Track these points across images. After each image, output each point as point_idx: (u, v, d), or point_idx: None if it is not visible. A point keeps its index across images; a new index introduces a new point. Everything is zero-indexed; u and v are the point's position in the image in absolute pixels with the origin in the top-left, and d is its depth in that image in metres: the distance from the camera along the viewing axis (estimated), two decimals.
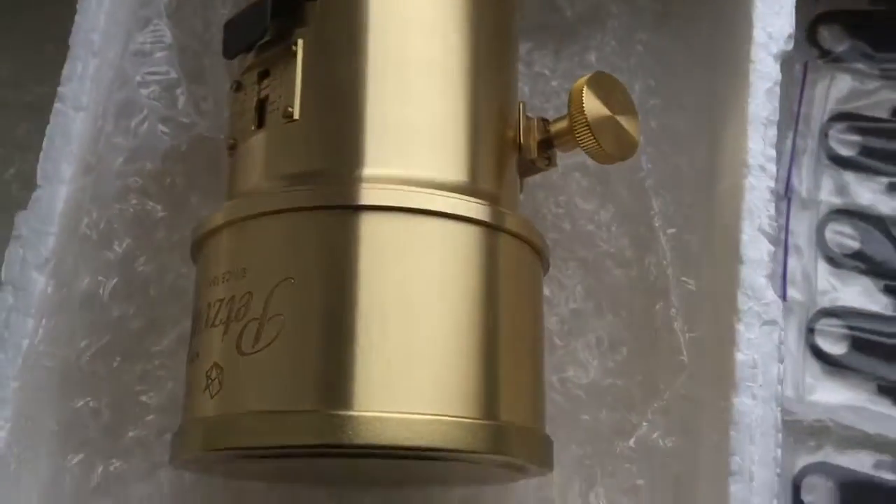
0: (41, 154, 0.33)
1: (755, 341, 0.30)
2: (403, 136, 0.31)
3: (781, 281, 0.46)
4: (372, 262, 0.29)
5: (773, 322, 0.31)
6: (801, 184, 0.47)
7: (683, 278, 0.37)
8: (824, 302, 0.46)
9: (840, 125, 0.48)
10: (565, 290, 0.41)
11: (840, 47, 0.49)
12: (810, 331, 0.45)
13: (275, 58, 0.33)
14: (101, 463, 0.34)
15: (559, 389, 0.40)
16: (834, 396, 0.44)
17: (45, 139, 0.33)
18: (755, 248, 0.31)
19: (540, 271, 0.34)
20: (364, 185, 0.30)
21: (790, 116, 0.48)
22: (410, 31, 0.33)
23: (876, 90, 0.49)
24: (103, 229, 0.34)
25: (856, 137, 0.48)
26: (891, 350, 0.44)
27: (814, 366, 0.45)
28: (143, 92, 0.34)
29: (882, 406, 0.44)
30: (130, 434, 0.36)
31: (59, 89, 0.33)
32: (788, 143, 0.48)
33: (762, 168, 0.32)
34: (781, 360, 0.30)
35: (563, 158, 0.42)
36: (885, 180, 0.47)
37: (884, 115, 0.48)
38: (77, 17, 0.34)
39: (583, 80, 0.35)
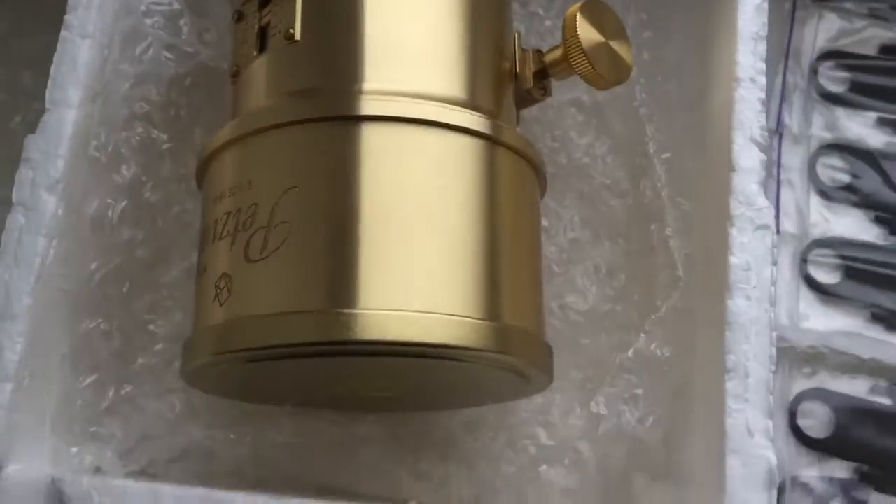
0: (49, 80, 0.33)
1: (748, 245, 0.31)
2: (404, 53, 0.32)
3: (775, 214, 0.47)
4: (373, 169, 0.30)
5: (765, 226, 0.31)
6: (792, 119, 0.48)
7: (678, 199, 0.38)
8: (816, 233, 0.47)
9: (829, 62, 0.49)
10: (563, 220, 0.42)
11: None
12: (804, 261, 0.46)
13: None
14: (112, 386, 0.35)
15: (559, 316, 0.41)
16: (828, 324, 0.45)
17: (53, 66, 0.33)
18: (747, 157, 0.32)
19: (537, 186, 0.35)
20: (364, 96, 0.31)
21: (780, 54, 0.49)
22: None
23: (863, 28, 0.50)
24: (111, 152, 0.34)
25: (845, 74, 0.49)
26: (883, 278, 0.45)
27: (808, 295, 0.46)
28: (148, 21, 0.35)
29: (876, 332, 0.45)
30: (140, 361, 0.36)
31: (66, 17, 0.34)
32: (779, 80, 0.49)
33: (752, 80, 0.33)
34: (774, 263, 0.31)
35: (557, 94, 0.43)
36: (873, 115, 0.48)
37: (871, 52, 0.50)
38: None
39: (575, 7, 0.35)
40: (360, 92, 0.31)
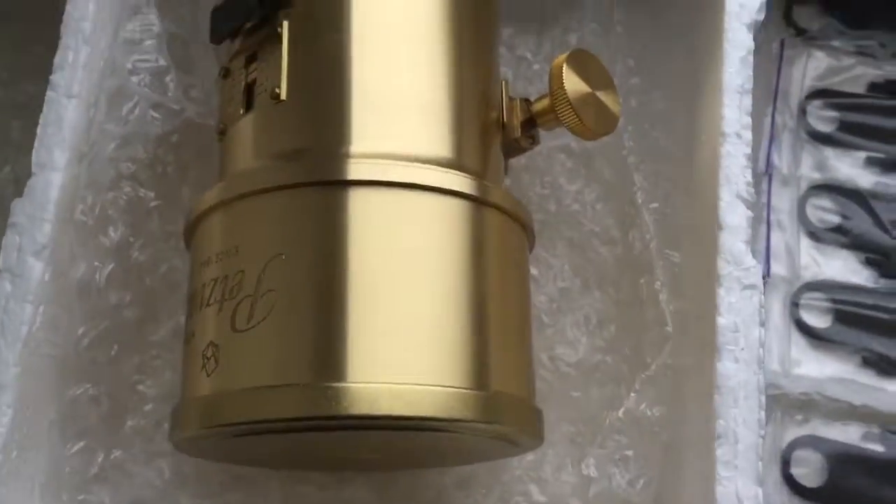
0: (35, 142, 0.33)
1: (736, 305, 0.31)
2: (389, 112, 0.32)
3: (764, 257, 0.47)
4: (360, 235, 0.30)
5: (753, 286, 0.31)
6: (782, 160, 0.48)
7: (667, 251, 0.38)
8: (807, 276, 0.47)
9: (818, 102, 0.49)
10: (553, 269, 0.42)
11: (815, 25, 0.50)
12: (795, 305, 0.46)
13: (261, 41, 0.34)
14: (100, 451, 0.35)
15: (549, 368, 0.40)
16: (820, 369, 0.45)
17: (39, 127, 0.33)
18: (733, 214, 0.32)
19: (526, 245, 0.35)
20: (351, 160, 0.31)
21: (769, 94, 0.49)
22: (394, 9, 0.33)
23: (851, 66, 0.50)
24: (98, 215, 0.34)
25: (833, 113, 0.49)
26: (874, 321, 0.45)
27: (799, 340, 0.45)
28: (134, 79, 0.35)
29: (867, 377, 0.45)
30: (129, 423, 0.36)
31: (52, 77, 0.34)
32: (767, 120, 0.49)
33: (738, 135, 0.33)
34: (762, 324, 0.31)
35: (546, 141, 0.43)
36: (862, 154, 0.48)
37: (860, 90, 0.50)
38: (67, 7, 0.35)
39: (562, 57, 0.35)
40: (346, 155, 0.31)
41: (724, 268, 0.31)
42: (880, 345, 0.45)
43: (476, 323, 0.30)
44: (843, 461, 0.42)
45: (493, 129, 0.36)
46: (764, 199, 0.48)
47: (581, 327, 0.40)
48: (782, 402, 0.43)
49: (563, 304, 0.41)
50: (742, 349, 0.31)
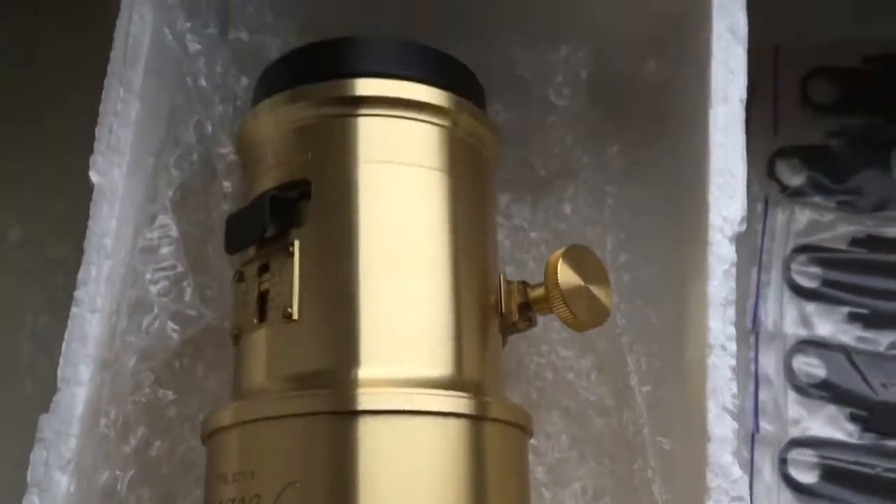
0: (60, 358, 0.35)
1: None
2: (395, 336, 0.34)
3: (753, 413, 0.49)
4: (370, 463, 0.32)
5: (740, 498, 0.33)
6: (767, 317, 0.50)
7: (659, 438, 0.40)
8: (795, 432, 0.48)
9: (802, 258, 0.51)
10: (551, 439, 0.43)
11: (798, 181, 0.53)
12: (783, 461, 0.47)
13: (273, 253, 0.36)
14: None
15: None
16: None
17: (64, 343, 0.35)
18: (720, 426, 0.34)
19: (525, 445, 0.37)
20: (360, 390, 0.33)
21: (754, 252, 0.52)
22: (398, 225, 0.36)
23: (833, 222, 0.52)
24: (120, 426, 0.36)
25: (817, 269, 0.51)
26: (860, 478, 0.47)
27: (787, 495, 0.47)
28: (153, 289, 0.37)
29: None
30: None
31: (76, 293, 0.36)
32: (753, 277, 0.52)
33: (723, 347, 0.35)
34: None
35: None
36: (845, 310, 0.51)
37: (842, 245, 0.52)
38: (90, 223, 0.37)
39: (559, 252, 0.38)
40: (354, 382, 0.33)
41: (712, 480, 0.33)
42: (866, 501, 0.47)
43: None
44: None
45: (491, 313, 0.38)
46: (751, 355, 0.50)
47: (578, 499, 0.42)
48: None
49: (561, 476, 0.43)
50: None
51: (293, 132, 0.37)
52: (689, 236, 0.39)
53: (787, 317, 0.50)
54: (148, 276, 0.37)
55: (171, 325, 0.37)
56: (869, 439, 0.48)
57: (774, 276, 0.51)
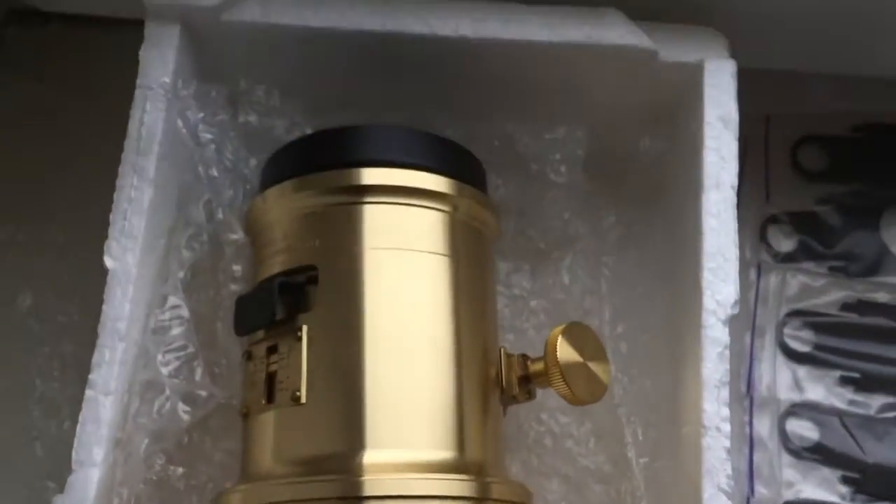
0: (74, 440, 0.36)
1: None
2: (401, 420, 0.36)
3: (748, 476, 0.50)
4: None
5: None
6: (761, 381, 0.52)
7: None
8: (789, 495, 0.49)
9: (794, 322, 0.53)
10: None
11: (789, 246, 0.54)
12: None
13: (282, 336, 0.37)
14: None
15: None
16: None
17: (78, 425, 0.37)
18: None
19: None
20: (366, 476, 0.34)
21: (748, 317, 0.53)
22: (403, 310, 0.37)
23: (825, 287, 0.53)
24: None
25: (809, 333, 0.53)
26: None
27: None
28: (164, 370, 0.38)
29: None
30: None
31: (90, 377, 0.37)
32: (747, 341, 0.53)
33: (717, 429, 0.37)
34: None
35: None
36: (837, 373, 0.52)
37: (833, 310, 0.53)
38: (104, 307, 0.38)
39: (558, 329, 0.39)
40: (360, 467, 0.34)
41: None
42: None
43: None
44: None
45: (492, 386, 0.39)
46: (746, 418, 0.51)
47: None
48: None
49: None
50: None
51: (301, 218, 0.38)
52: (684, 314, 0.40)
53: (780, 381, 0.52)
54: (160, 357, 0.38)
55: (182, 406, 0.38)
56: (861, 501, 0.49)
57: (768, 340, 0.52)
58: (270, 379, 0.37)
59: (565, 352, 0.39)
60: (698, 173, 0.39)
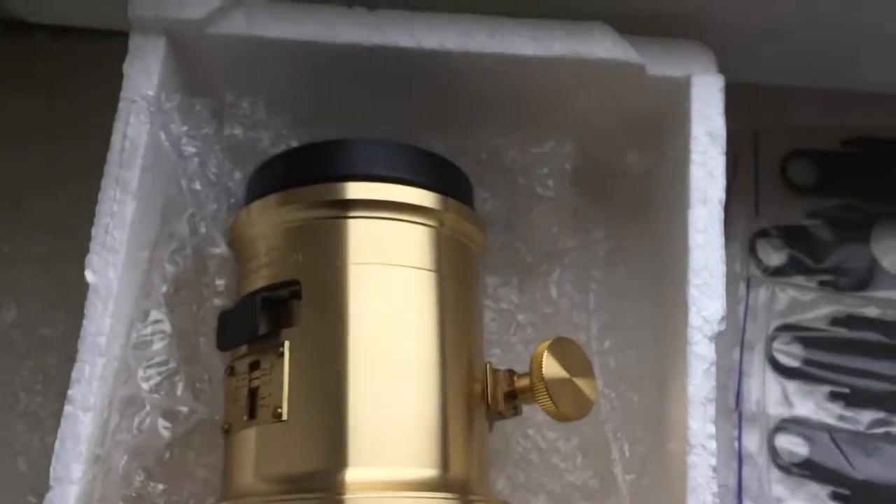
0: (52, 457, 0.36)
1: None
2: (383, 437, 0.35)
3: (736, 492, 0.50)
4: None
5: None
6: (750, 396, 0.51)
7: None
8: None
9: (783, 337, 0.52)
10: None
11: (779, 260, 0.54)
12: None
13: (264, 351, 0.37)
14: None
15: None
16: None
17: (57, 441, 0.36)
18: None
19: None
20: (348, 495, 0.33)
21: (736, 332, 0.53)
22: (387, 326, 0.37)
23: (814, 302, 0.53)
24: None
25: (798, 348, 0.52)
26: None
27: None
28: (145, 386, 0.38)
29: None
30: None
31: (69, 392, 0.37)
32: (736, 356, 0.52)
33: (703, 446, 0.36)
34: None
35: None
36: (826, 389, 0.52)
37: (823, 325, 0.53)
38: (84, 322, 0.38)
39: (544, 344, 0.39)
40: (342, 485, 0.34)
41: None
42: None
43: None
44: None
45: (477, 402, 0.39)
46: (735, 434, 0.51)
47: None
48: None
49: None
50: None
51: (285, 232, 0.38)
52: (670, 330, 0.40)
53: (769, 395, 0.51)
54: (141, 372, 0.38)
55: (162, 422, 0.38)
56: None
57: (757, 355, 0.52)
58: (253, 395, 0.37)
59: (551, 368, 0.38)
60: (685, 188, 0.39)
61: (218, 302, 0.40)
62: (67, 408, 0.37)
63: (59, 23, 0.54)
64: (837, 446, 0.50)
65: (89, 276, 0.38)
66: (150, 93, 0.40)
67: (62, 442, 0.36)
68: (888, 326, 0.52)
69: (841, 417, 0.51)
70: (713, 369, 0.37)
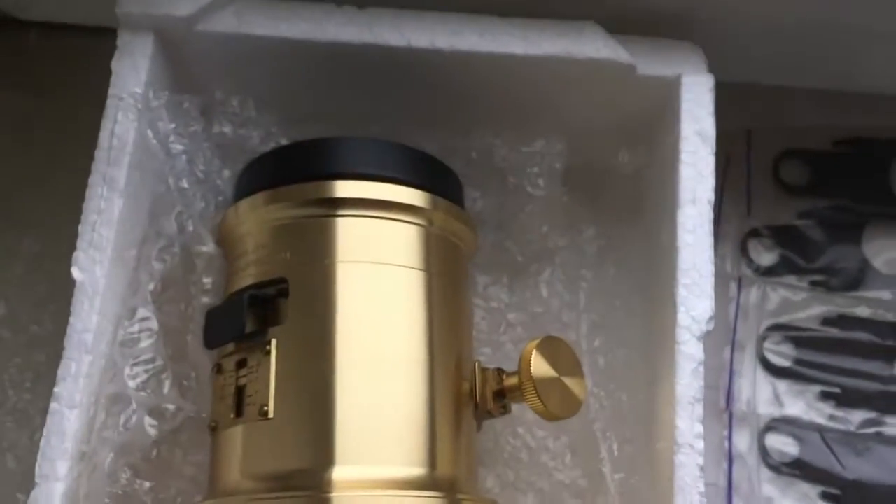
0: (38, 454, 0.36)
1: None
2: (371, 436, 0.35)
3: (726, 492, 0.50)
4: None
5: None
6: (741, 395, 0.51)
7: None
8: None
9: (774, 337, 0.52)
10: None
11: (770, 260, 0.54)
12: None
13: (251, 349, 0.37)
14: None
15: None
16: None
17: (43, 439, 0.36)
18: None
19: None
20: (335, 493, 0.33)
21: (727, 331, 0.53)
22: (375, 324, 0.37)
23: (805, 301, 0.53)
24: None
25: (789, 347, 0.52)
26: None
27: None
28: (132, 384, 0.38)
29: None
30: None
31: (55, 389, 0.37)
32: (726, 355, 0.52)
33: (691, 446, 0.36)
34: None
35: None
36: (817, 388, 0.52)
37: (814, 325, 0.53)
38: (71, 319, 0.38)
39: (533, 343, 0.39)
40: (329, 483, 0.34)
41: None
42: None
43: None
44: None
45: (466, 401, 0.39)
46: (725, 433, 0.51)
47: None
48: None
49: None
50: None
51: (272, 230, 0.38)
52: (659, 329, 0.40)
53: (760, 395, 0.51)
54: (127, 370, 0.38)
55: (148, 419, 0.37)
56: None
57: (748, 354, 0.52)
58: (239, 393, 0.37)
59: (539, 366, 0.38)
60: (675, 188, 0.39)
61: (205, 300, 0.40)
62: (53, 405, 0.36)
63: (51, 20, 0.53)
64: (828, 446, 0.50)
65: (76, 273, 0.38)
66: (138, 90, 0.40)
67: (48, 439, 0.36)
68: (879, 326, 0.52)
69: (831, 417, 0.51)
70: (701, 369, 0.37)
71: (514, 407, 0.46)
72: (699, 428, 0.36)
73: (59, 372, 0.37)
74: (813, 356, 0.52)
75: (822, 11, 0.45)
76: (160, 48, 0.41)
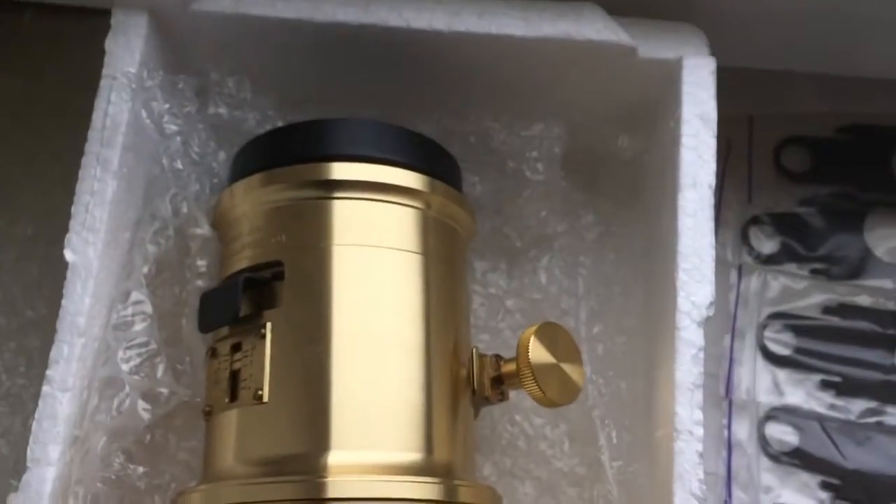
0: (30, 437, 0.35)
1: None
2: (367, 420, 0.35)
3: (726, 481, 0.49)
4: None
5: None
6: (741, 384, 0.51)
7: None
8: (767, 500, 0.49)
9: (775, 325, 0.52)
10: None
11: (771, 248, 0.53)
12: None
13: (246, 333, 0.36)
14: None
15: None
16: None
17: (34, 422, 0.36)
18: None
19: None
20: (330, 478, 0.33)
21: (727, 318, 0.52)
22: (371, 308, 0.36)
23: (806, 290, 0.53)
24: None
25: (789, 336, 0.52)
26: None
27: None
28: (125, 367, 0.37)
29: None
30: None
31: (48, 372, 0.36)
32: (726, 344, 0.52)
33: (690, 433, 0.36)
34: None
35: None
36: (817, 377, 0.51)
37: (815, 313, 0.52)
38: (63, 301, 0.37)
39: (531, 329, 0.38)
40: (324, 468, 0.33)
41: None
42: None
43: None
44: None
45: (463, 387, 0.38)
46: (724, 422, 0.51)
47: None
48: None
49: None
50: None
51: (268, 213, 0.37)
52: (659, 315, 0.39)
53: (759, 384, 0.51)
54: (120, 353, 0.37)
55: (142, 403, 0.37)
56: None
57: (748, 343, 0.51)
58: (234, 377, 0.36)
59: (537, 353, 0.38)
60: (675, 172, 0.39)
61: (200, 283, 0.40)
62: (45, 388, 0.36)
63: (45, 1, 0.53)
64: (828, 435, 0.50)
65: (69, 255, 0.37)
66: (132, 70, 0.39)
67: (40, 423, 0.36)
68: (880, 315, 0.52)
69: (832, 406, 0.50)
70: (701, 355, 0.37)
71: (512, 394, 0.46)
72: (699, 414, 0.36)
73: (52, 354, 0.36)
74: (813, 345, 0.51)
75: None
76: (155, 28, 0.41)
